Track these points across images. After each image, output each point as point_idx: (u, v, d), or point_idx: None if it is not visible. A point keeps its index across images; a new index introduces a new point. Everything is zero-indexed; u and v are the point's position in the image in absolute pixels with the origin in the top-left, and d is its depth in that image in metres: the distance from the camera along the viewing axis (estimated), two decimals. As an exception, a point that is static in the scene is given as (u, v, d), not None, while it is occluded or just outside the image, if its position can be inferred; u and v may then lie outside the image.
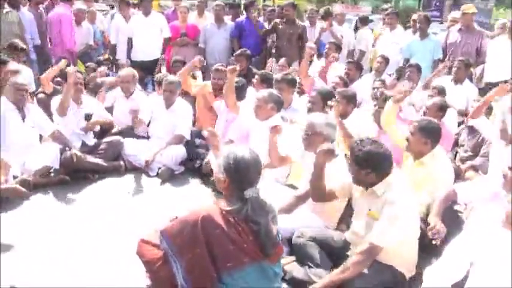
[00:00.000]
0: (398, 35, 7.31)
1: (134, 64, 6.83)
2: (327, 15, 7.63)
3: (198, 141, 5.32)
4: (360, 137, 3.11)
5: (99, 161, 4.93)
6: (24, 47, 5.71)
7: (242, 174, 2.37)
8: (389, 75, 6.46)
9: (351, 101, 4.85)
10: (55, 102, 5.03)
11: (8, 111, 4.52)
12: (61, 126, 4.91)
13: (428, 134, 3.60)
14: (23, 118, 4.64)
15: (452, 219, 3.35)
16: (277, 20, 7.34)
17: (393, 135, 4.12)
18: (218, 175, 2.47)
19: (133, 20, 7.29)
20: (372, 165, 2.90)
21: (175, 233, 2.37)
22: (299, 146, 3.81)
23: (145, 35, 6.95)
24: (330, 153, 3.14)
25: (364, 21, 8.45)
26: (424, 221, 3.19)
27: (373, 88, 5.64)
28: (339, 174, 3.32)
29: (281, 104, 4.62)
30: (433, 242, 2.93)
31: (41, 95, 5.71)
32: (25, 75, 5.58)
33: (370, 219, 2.93)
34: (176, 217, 2.55)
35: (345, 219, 3.50)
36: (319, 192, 3.29)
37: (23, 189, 3.86)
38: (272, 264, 2.47)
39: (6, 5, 5.96)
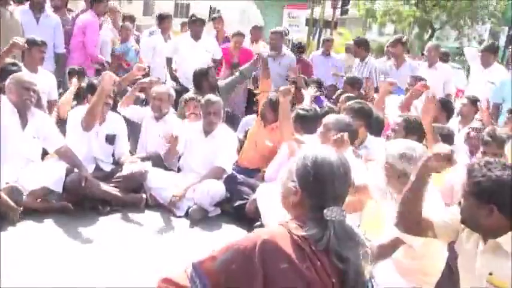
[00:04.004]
0: (492, 73, 6.21)
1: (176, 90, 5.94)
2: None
3: (240, 177, 4.23)
4: (486, 160, 2.01)
5: (115, 190, 3.87)
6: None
7: (324, 185, 1.59)
8: None
9: (448, 141, 3.76)
10: (74, 114, 4.09)
11: (5, 115, 3.57)
12: (73, 144, 3.91)
13: None
14: (24, 125, 3.69)
15: None
16: None
17: None
18: (287, 184, 1.64)
19: (178, 43, 6.52)
20: (499, 201, 1.84)
21: (217, 267, 1.55)
22: (380, 184, 2.86)
23: (194, 61, 6.08)
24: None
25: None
26: None
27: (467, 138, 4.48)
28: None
29: (355, 134, 3.58)
30: None
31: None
32: (47, 81, 4.75)
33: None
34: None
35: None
36: (411, 217, 2.15)
37: (14, 205, 2.85)
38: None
39: (11, 2, 5.28)
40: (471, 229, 1.99)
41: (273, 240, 1.52)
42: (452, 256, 2.34)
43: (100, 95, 3.89)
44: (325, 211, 1.55)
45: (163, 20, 6.92)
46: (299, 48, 7.70)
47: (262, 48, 6.79)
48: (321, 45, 9.82)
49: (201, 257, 1.64)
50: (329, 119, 3.59)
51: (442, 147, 2.07)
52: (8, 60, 4.20)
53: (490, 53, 6.25)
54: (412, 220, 2.16)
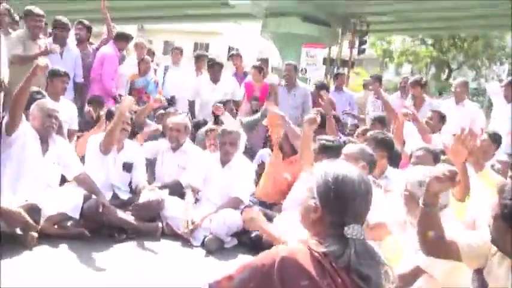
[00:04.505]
0: None
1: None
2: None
3: (257, 208, 4.16)
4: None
5: (131, 218, 3.84)
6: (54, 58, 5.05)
7: (346, 202, 1.54)
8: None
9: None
10: (93, 140, 4.13)
11: (28, 141, 3.62)
12: (91, 171, 3.94)
13: None
14: (45, 151, 3.72)
15: None
16: None
17: None
18: (307, 202, 1.59)
19: (199, 87, 6.71)
20: None
21: (234, 287, 1.52)
22: (398, 215, 2.89)
23: (212, 102, 6.14)
24: None
25: None
26: None
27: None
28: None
29: (374, 164, 3.53)
30: None
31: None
32: (68, 111, 4.83)
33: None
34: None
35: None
36: (429, 240, 2.08)
37: (32, 223, 2.84)
38: None
39: (41, 36, 5.45)
40: (500, 251, 1.91)
41: (293, 257, 1.47)
42: (481, 286, 2.23)
43: (118, 117, 3.94)
44: (345, 228, 1.51)
45: (198, 59, 7.20)
46: (322, 87, 7.55)
47: (272, 77, 6.89)
48: (332, 80, 9.86)
49: (218, 277, 1.61)
50: (351, 148, 3.57)
51: (442, 169, 2.02)
52: (34, 88, 4.30)
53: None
54: (432, 244, 2.09)
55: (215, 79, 6.62)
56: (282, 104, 6.41)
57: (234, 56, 7.83)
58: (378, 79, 7.36)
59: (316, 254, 1.48)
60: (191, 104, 6.86)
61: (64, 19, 5.81)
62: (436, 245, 2.10)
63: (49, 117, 3.71)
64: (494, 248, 1.98)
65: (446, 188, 2.05)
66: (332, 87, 8.25)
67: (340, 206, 1.55)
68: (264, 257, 1.53)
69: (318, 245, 1.51)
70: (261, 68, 6.80)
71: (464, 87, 6.56)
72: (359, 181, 1.58)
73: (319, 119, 3.88)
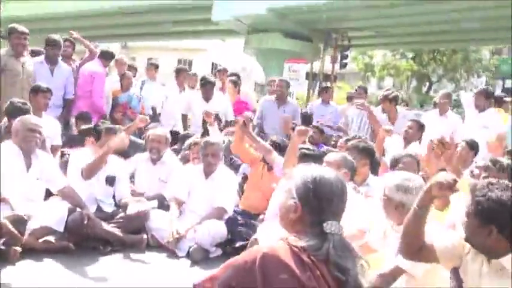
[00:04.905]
0: (486, 117, 6.25)
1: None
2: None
3: (241, 218, 4.22)
4: (489, 180, 2.02)
5: (116, 231, 3.86)
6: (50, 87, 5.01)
7: (324, 201, 1.64)
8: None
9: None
10: (76, 157, 4.16)
11: (10, 157, 3.61)
12: (74, 185, 3.94)
13: None
14: (28, 167, 3.72)
15: None
16: None
17: None
18: (287, 202, 1.67)
19: (191, 102, 6.80)
20: (498, 221, 1.85)
21: (218, 286, 1.59)
22: (378, 229, 2.94)
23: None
24: None
25: None
26: None
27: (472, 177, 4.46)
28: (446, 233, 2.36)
29: (355, 171, 3.64)
30: None
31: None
32: (51, 127, 4.83)
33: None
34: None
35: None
36: (414, 243, 2.15)
37: (18, 234, 2.89)
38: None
39: (25, 54, 5.45)
40: (474, 248, 1.98)
41: (273, 253, 1.53)
42: (457, 284, 2.31)
43: (106, 152, 4.03)
44: (324, 224, 1.59)
45: (178, 74, 7.26)
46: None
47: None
48: (317, 94, 9.99)
49: (202, 278, 1.66)
50: (333, 156, 3.66)
51: (445, 176, 2.06)
52: (19, 100, 4.34)
53: (483, 96, 6.34)
54: (414, 246, 2.15)
55: (207, 97, 6.68)
56: (271, 119, 6.59)
57: (221, 71, 7.95)
58: (363, 90, 7.48)
59: (295, 248, 1.54)
60: (183, 118, 6.99)
61: (56, 37, 5.83)
62: (417, 249, 2.16)
63: (31, 131, 3.69)
64: (468, 246, 2.06)
65: (445, 194, 2.10)
66: (319, 100, 8.31)
67: (319, 205, 1.63)
68: (246, 255, 1.59)
69: (297, 241, 1.57)
70: (236, 81, 6.95)
71: (448, 99, 6.72)
72: (336, 181, 1.68)
73: (310, 133, 3.98)
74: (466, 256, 2.06)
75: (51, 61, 5.65)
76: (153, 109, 7.12)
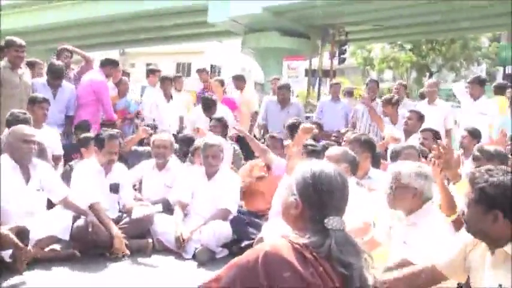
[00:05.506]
0: (482, 105, 6.27)
1: None
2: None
3: (246, 218, 4.24)
4: (487, 167, 2.01)
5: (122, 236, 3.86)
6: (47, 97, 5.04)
7: (324, 196, 1.62)
8: None
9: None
10: (80, 169, 4.16)
11: (7, 172, 3.55)
12: (79, 194, 3.95)
13: None
14: (27, 180, 3.69)
15: None
16: None
17: None
18: (288, 199, 1.67)
19: (196, 120, 6.70)
20: (504, 206, 1.81)
21: (223, 285, 1.57)
22: (383, 223, 2.94)
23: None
24: None
25: None
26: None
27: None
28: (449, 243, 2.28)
29: (356, 166, 3.63)
30: None
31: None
32: (51, 137, 4.85)
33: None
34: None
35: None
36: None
37: (21, 244, 2.93)
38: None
39: (22, 66, 5.41)
40: (478, 238, 1.96)
41: (275, 251, 1.53)
42: None
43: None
44: (325, 220, 1.58)
45: (162, 82, 7.31)
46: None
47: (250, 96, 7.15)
48: (328, 90, 9.95)
49: (207, 279, 1.66)
50: (334, 150, 3.66)
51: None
52: (20, 110, 4.37)
53: (476, 84, 6.35)
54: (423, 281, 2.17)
55: (210, 113, 6.47)
56: (275, 121, 6.61)
57: (200, 72, 7.97)
58: (375, 83, 7.43)
59: (297, 246, 1.54)
60: (180, 119, 7.20)
61: (58, 65, 5.73)
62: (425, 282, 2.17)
63: (25, 142, 3.62)
64: (468, 247, 2.05)
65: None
66: (329, 96, 8.17)
67: (319, 200, 1.62)
68: (248, 254, 1.59)
69: (298, 238, 1.57)
70: (222, 81, 7.00)
71: (435, 87, 6.77)
72: (335, 176, 1.66)
73: (316, 131, 3.96)
74: (469, 256, 2.05)
75: (54, 85, 5.64)
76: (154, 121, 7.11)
